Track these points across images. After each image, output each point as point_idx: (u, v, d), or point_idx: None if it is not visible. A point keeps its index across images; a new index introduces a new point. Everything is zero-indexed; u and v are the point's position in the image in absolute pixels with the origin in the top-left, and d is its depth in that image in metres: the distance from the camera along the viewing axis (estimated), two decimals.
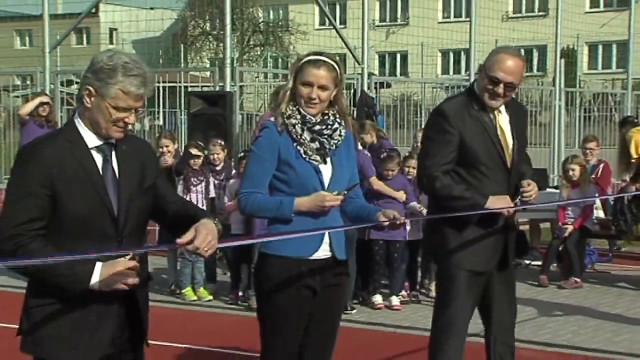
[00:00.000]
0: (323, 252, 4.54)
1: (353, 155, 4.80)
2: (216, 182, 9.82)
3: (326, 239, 4.53)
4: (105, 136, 3.63)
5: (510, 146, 5.38)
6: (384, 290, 9.58)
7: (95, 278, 3.46)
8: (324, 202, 4.38)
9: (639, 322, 8.65)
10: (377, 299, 9.38)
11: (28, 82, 19.23)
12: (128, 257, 3.52)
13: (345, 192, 4.47)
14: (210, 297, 9.76)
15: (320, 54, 4.61)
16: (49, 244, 3.49)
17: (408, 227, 9.17)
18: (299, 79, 4.52)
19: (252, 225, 9.20)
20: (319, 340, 4.65)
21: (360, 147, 9.09)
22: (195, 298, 9.70)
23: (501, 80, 5.20)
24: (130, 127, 3.68)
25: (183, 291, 9.78)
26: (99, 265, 3.46)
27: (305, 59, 4.55)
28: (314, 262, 4.50)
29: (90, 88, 3.58)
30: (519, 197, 5.41)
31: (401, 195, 9.18)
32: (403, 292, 9.64)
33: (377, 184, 9.11)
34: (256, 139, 4.62)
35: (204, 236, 3.52)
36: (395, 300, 9.43)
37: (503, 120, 5.41)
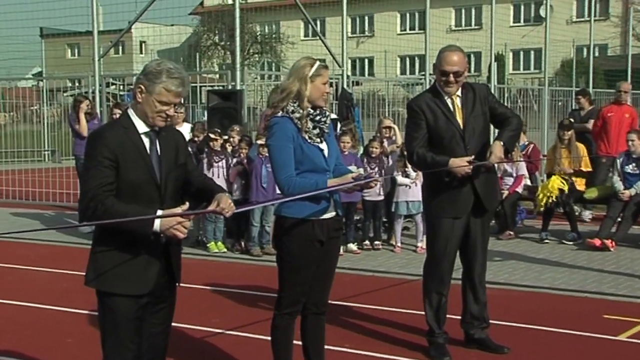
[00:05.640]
0: (330, 213, 4.54)
1: (334, 136, 4.85)
2: (233, 159, 9.68)
3: (332, 202, 4.54)
4: (151, 124, 3.70)
5: (464, 121, 5.48)
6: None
7: (157, 221, 3.52)
8: (349, 186, 4.43)
9: (558, 264, 8.71)
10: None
11: (77, 85, 19.08)
12: (185, 206, 3.58)
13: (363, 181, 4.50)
14: (225, 250, 9.71)
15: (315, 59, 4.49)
16: (118, 200, 3.56)
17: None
18: (318, 80, 4.45)
19: (248, 191, 9.37)
20: (324, 277, 4.64)
21: None
22: (216, 250, 9.67)
23: (449, 71, 5.39)
24: (170, 118, 3.73)
25: (207, 245, 9.74)
26: (159, 211, 3.54)
27: (319, 64, 4.47)
28: (323, 221, 4.50)
29: (142, 86, 3.67)
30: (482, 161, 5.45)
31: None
32: (367, 242, 9.82)
33: None
34: (272, 135, 4.47)
35: (225, 201, 3.70)
36: (352, 246, 9.59)
37: (459, 102, 5.51)
